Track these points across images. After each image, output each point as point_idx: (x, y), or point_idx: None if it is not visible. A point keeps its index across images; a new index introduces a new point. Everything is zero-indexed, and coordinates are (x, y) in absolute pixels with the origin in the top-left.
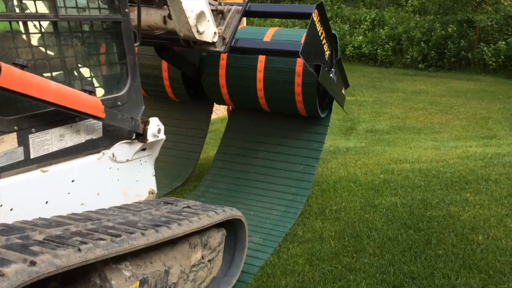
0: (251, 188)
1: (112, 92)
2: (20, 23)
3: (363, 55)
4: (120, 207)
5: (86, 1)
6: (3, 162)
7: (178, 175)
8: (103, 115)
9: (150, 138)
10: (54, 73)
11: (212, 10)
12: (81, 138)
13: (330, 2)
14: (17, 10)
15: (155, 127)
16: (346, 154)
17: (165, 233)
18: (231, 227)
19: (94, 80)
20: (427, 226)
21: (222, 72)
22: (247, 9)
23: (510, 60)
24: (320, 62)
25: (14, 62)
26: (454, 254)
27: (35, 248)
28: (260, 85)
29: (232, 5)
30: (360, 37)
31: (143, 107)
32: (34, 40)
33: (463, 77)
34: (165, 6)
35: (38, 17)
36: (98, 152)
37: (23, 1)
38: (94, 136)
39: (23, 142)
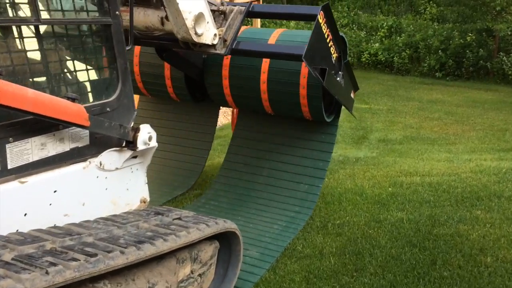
0: (253, 203)
1: (100, 98)
2: None
3: (379, 63)
4: (106, 219)
5: (73, 3)
6: None
7: (179, 185)
8: (87, 123)
9: (140, 146)
10: (36, 80)
11: (214, 11)
12: (65, 147)
13: (347, 9)
14: None
15: (145, 135)
16: (355, 165)
17: (148, 251)
18: (226, 239)
19: (80, 86)
20: (433, 245)
21: (225, 72)
22: (250, 9)
23: None
24: (326, 66)
25: None
26: (460, 276)
27: None
28: (264, 86)
29: (235, 5)
30: (377, 44)
31: (135, 113)
32: (14, 45)
33: (481, 87)
34: (162, 7)
35: (18, 21)
36: (84, 160)
37: (1, 4)
38: (79, 144)
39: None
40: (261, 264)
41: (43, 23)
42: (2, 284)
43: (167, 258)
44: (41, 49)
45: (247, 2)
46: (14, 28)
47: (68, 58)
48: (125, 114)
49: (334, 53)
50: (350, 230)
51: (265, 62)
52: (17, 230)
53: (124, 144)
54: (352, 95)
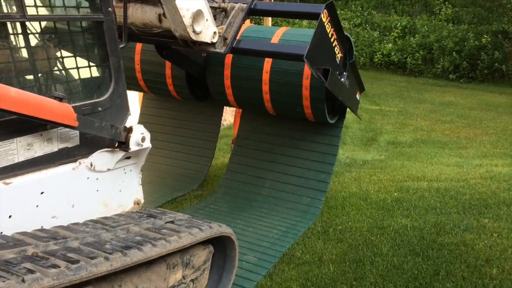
0: (254, 210)
1: (92, 97)
2: None
3: (391, 63)
4: (96, 221)
5: None
6: None
7: (181, 187)
8: (75, 123)
9: (133, 147)
10: (22, 79)
11: (215, 8)
12: (53, 147)
13: (360, 8)
14: None
15: (138, 135)
16: (362, 168)
17: (134, 257)
18: (221, 244)
19: (70, 84)
20: (437, 254)
21: (227, 72)
22: (252, 7)
23: None
24: (329, 66)
25: None
26: None
27: None
28: (266, 87)
29: (237, 3)
30: (390, 45)
31: (129, 112)
32: None
33: (496, 90)
34: (160, 4)
35: (2, 17)
36: (74, 161)
37: None
38: (69, 145)
39: None
40: (257, 270)
41: (29, 20)
42: None
43: (157, 263)
44: (27, 46)
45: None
46: None
47: (57, 56)
48: (118, 114)
49: (338, 53)
50: (351, 237)
51: (267, 63)
52: (1, 233)
53: (116, 145)
54: (357, 96)
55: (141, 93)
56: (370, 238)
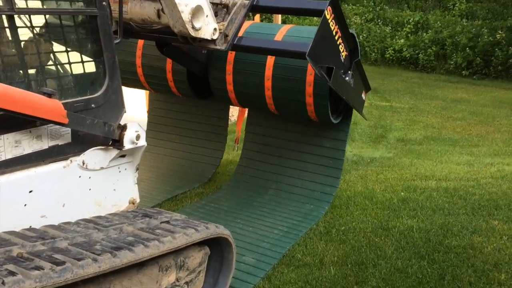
0: (255, 209)
1: (84, 93)
2: None
3: (403, 59)
4: (88, 221)
5: None
6: None
7: (181, 185)
8: (64, 120)
9: (127, 145)
10: (9, 74)
11: (216, 4)
12: (43, 144)
13: (372, 3)
14: None
15: (133, 133)
16: (369, 166)
17: (125, 258)
18: (218, 246)
19: (62, 80)
20: (443, 258)
21: (229, 67)
22: (254, 3)
23: None
24: (333, 65)
25: None
26: None
27: None
28: (268, 83)
29: None
30: (402, 40)
31: (124, 110)
32: None
33: (510, 87)
34: None
35: None
36: (65, 159)
37: None
38: (60, 142)
39: None
40: (255, 272)
41: (18, 13)
42: None
43: (149, 265)
44: (16, 41)
45: None
46: None
47: (48, 51)
48: (113, 111)
49: (343, 51)
50: (355, 238)
51: (271, 58)
52: None
53: (110, 143)
54: (363, 95)
55: (147, 91)
56: (374, 239)
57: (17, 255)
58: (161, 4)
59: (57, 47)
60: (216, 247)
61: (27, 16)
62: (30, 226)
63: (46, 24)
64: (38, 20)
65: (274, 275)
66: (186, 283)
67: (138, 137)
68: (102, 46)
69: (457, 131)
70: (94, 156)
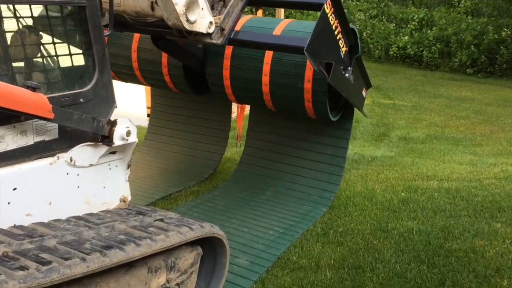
0: (251, 209)
1: (73, 87)
2: None
3: (407, 56)
4: (79, 218)
5: None
6: None
7: (177, 183)
8: (50, 115)
9: (117, 141)
10: None
11: None
12: (28, 140)
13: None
14: None
15: (123, 129)
16: (370, 165)
17: (115, 258)
18: (211, 247)
19: (48, 74)
20: (443, 262)
21: (226, 62)
22: None
23: None
24: (332, 60)
25: None
26: None
27: None
28: (266, 78)
29: None
30: (406, 37)
31: (115, 105)
32: None
33: None
34: None
35: None
36: (52, 155)
37: None
38: (46, 138)
39: None
40: (249, 275)
41: (2, 2)
42: None
43: (137, 266)
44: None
45: None
46: None
47: (33, 43)
48: (103, 106)
49: (343, 47)
50: (352, 240)
51: (269, 53)
52: None
53: (100, 139)
54: (363, 92)
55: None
56: (372, 242)
57: (2, 254)
58: None
59: (43, 39)
60: (210, 249)
61: (11, 6)
62: (15, 225)
63: (32, 15)
64: (24, 11)
65: (268, 279)
66: (177, 284)
67: (128, 133)
68: (91, 39)
69: (461, 130)
70: (82, 152)
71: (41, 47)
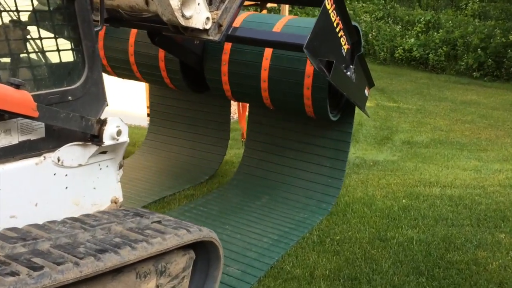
0: (245, 215)
1: (60, 85)
2: None
3: (413, 59)
4: (75, 219)
5: None
6: None
7: (170, 186)
8: (35, 114)
9: (107, 141)
10: None
11: None
12: (12, 139)
13: (383, 1)
14: None
15: (113, 128)
16: (371, 169)
17: (109, 262)
18: (205, 256)
19: (35, 70)
20: (444, 275)
21: (225, 57)
22: None
23: None
24: (333, 58)
25: None
26: None
27: None
28: (265, 74)
29: None
30: (412, 40)
31: (106, 103)
32: None
33: None
34: None
35: None
36: (38, 155)
37: None
38: (32, 137)
39: None
40: (239, 285)
41: None
42: None
43: (125, 272)
44: None
45: None
46: None
47: (18, 38)
48: (93, 104)
49: (344, 45)
50: (350, 249)
51: (269, 48)
52: None
53: (89, 138)
54: (366, 92)
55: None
56: (370, 251)
57: None
58: None
59: (30, 34)
60: (203, 259)
61: None
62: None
63: (18, 9)
64: (9, 4)
65: None
66: None
67: (119, 133)
68: (80, 34)
69: (466, 135)
70: (71, 152)
71: (27, 42)
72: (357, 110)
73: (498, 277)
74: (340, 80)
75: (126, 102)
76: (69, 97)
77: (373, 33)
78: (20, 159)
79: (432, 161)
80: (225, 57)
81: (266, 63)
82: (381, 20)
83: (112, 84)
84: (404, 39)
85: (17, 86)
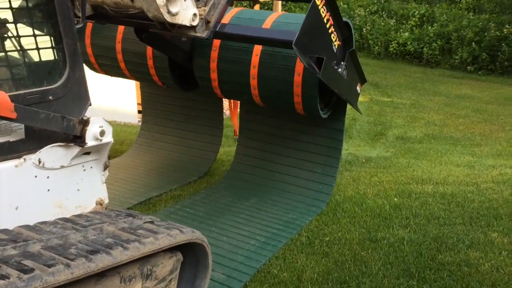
0: (232, 216)
1: (40, 84)
2: None
3: (407, 53)
4: (67, 220)
5: None
6: None
7: (157, 186)
8: (12, 115)
9: (90, 142)
10: None
11: None
12: None
13: None
14: None
15: (96, 129)
16: (363, 166)
17: (101, 263)
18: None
19: (12, 69)
20: (434, 277)
21: (214, 54)
22: None
23: None
24: (324, 55)
25: None
26: None
27: None
28: (254, 71)
29: None
30: (406, 34)
31: (89, 102)
32: None
33: None
34: None
35: None
36: (18, 157)
37: None
38: (11, 138)
39: None
40: None
41: None
42: None
43: (109, 276)
44: None
45: None
46: None
47: None
48: (75, 104)
49: (335, 41)
50: (339, 251)
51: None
52: None
53: (72, 139)
54: (358, 88)
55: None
56: (360, 253)
57: None
58: None
59: (7, 32)
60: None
61: None
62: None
63: None
64: None
65: None
66: None
67: (102, 133)
68: (61, 32)
69: (460, 129)
70: (52, 153)
71: (5, 40)
72: (350, 106)
73: (490, 279)
74: (330, 77)
75: (116, 99)
76: (50, 97)
77: (367, 27)
78: None
79: (425, 157)
80: (214, 53)
81: (255, 59)
82: (375, 14)
83: (101, 81)
84: (398, 33)
85: None
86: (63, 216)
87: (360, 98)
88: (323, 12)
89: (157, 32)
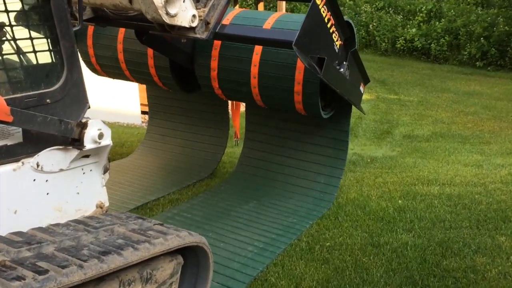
0: (230, 221)
1: (38, 87)
2: None
3: (415, 49)
4: (78, 221)
5: None
6: None
7: (155, 190)
8: (9, 118)
9: (88, 145)
10: None
11: None
12: None
13: None
14: None
15: (95, 132)
16: (368, 167)
17: (112, 263)
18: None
19: (8, 73)
20: (439, 284)
21: (215, 52)
22: None
23: None
24: (325, 55)
25: None
26: None
27: None
28: (255, 70)
29: None
30: (414, 30)
31: (88, 105)
32: None
33: None
34: None
35: None
36: (16, 161)
37: None
38: (9, 142)
39: None
40: None
41: None
42: None
43: (108, 280)
44: None
45: None
46: None
47: None
48: (73, 106)
49: (337, 41)
50: (340, 257)
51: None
52: None
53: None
54: (361, 88)
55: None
56: (361, 259)
57: (0, 263)
58: None
59: (4, 35)
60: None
61: None
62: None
63: None
64: None
65: None
66: None
67: (101, 136)
68: (58, 34)
69: (468, 127)
70: (51, 157)
71: (2, 43)
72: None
73: (497, 286)
74: (332, 77)
75: (120, 101)
76: (48, 100)
77: (374, 24)
78: None
79: (432, 156)
80: (215, 52)
81: (256, 58)
82: (382, 10)
83: (104, 82)
84: (405, 29)
85: None
86: (63, 219)
87: (367, 96)
88: (323, 12)
89: (157, 34)
